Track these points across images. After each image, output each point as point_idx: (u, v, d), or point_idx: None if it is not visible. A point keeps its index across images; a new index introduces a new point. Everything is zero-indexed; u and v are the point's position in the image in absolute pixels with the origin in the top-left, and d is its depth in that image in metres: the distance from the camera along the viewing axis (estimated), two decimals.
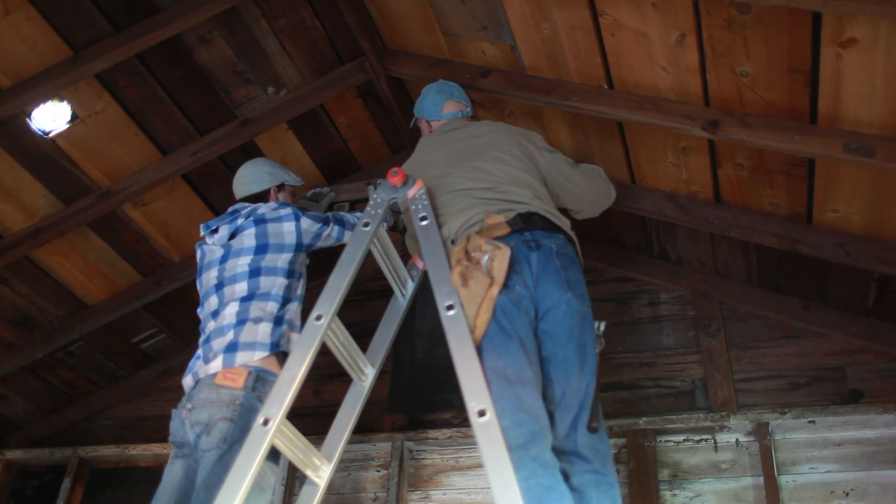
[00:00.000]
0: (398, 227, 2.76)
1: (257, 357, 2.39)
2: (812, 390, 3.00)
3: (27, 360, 3.53)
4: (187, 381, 2.50)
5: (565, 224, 2.35)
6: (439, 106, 2.81)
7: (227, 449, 2.24)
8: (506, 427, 1.80)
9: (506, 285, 2.05)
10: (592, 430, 2.00)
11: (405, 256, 2.55)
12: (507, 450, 1.73)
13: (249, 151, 3.33)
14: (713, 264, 3.31)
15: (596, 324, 2.20)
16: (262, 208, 2.70)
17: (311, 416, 3.29)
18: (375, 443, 3.18)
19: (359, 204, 3.07)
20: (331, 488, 3.14)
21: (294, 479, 3.16)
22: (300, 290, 2.66)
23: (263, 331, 2.44)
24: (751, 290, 3.26)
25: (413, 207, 2.36)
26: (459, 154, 2.53)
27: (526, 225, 2.21)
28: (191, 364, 2.52)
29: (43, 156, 2.98)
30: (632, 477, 2.81)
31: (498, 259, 2.04)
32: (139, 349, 3.85)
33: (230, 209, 2.77)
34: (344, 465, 3.19)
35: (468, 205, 2.32)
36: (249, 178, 2.86)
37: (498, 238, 2.15)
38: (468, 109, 2.84)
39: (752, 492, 2.73)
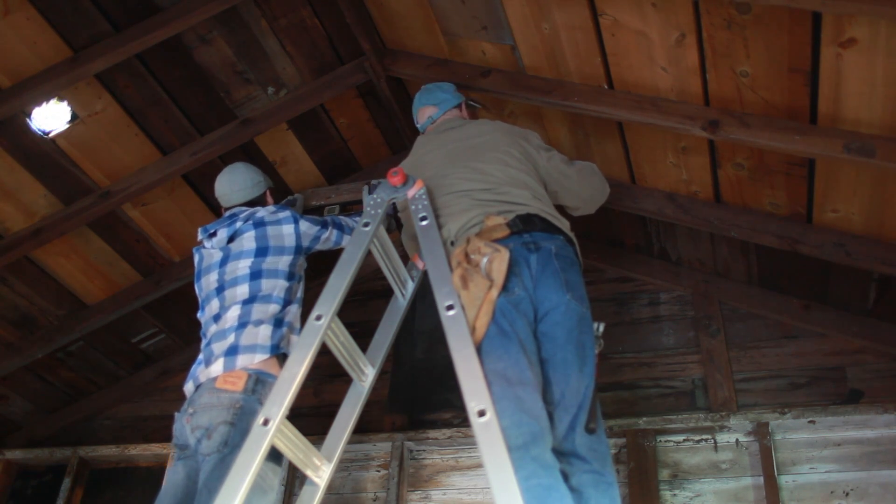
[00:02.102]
0: (391, 229, 2.76)
1: (257, 360, 2.39)
2: (812, 390, 3.00)
3: (27, 360, 3.53)
4: (188, 387, 2.50)
5: (565, 225, 2.35)
6: (416, 118, 2.87)
7: (229, 452, 2.24)
8: (506, 427, 1.80)
9: (505, 287, 2.05)
10: (590, 431, 2.00)
11: (405, 256, 2.55)
12: (507, 450, 1.73)
13: (249, 151, 3.34)
14: (713, 264, 3.31)
15: (595, 325, 2.20)
16: (261, 212, 2.71)
17: (311, 416, 3.30)
18: (375, 443, 3.18)
19: (351, 206, 3.06)
20: (331, 488, 3.14)
21: (294, 479, 3.16)
22: (300, 292, 2.67)
23: (264, 333, 2.45)
24: (751, 290, 3.26)
25: (413, 207, 2.35)
26: (458, 154, 2.52)
27: (525, 226, 2.21)
28: (192, 370, 2.52)
29: (43, 156, 2.98)
30: (632, 477, 2.81)
31: (497, 262, 2.05)
32: (139, 349, 3.85)
33: (227, 213, 2.78)
34: (344, 465, 3.19)
35: (467, 206, 2.32)
36: (247, 182, 2.86)
37: (497, 240, 2.15)
38: (439, 110, 2.78)
39: (752, 492, 2.72)
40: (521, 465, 1.78)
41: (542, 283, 2.13)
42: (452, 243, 2.26)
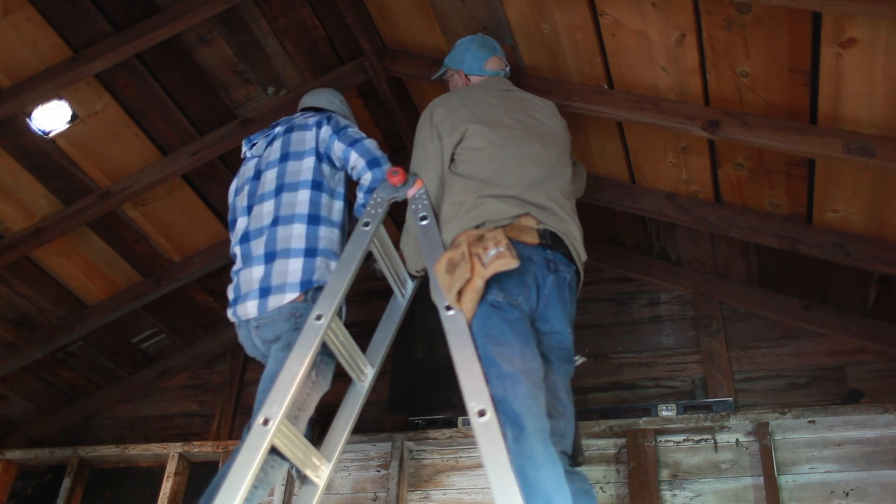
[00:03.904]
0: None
1: (287, 299, 2.30)
2: (812, 390, 3.00)
3: (27, 360, 3.53)
4: (231, 316, 2.43)
5: (582, 259, 2.29)
6: (483, 60, 2.63)
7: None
8: (524, 413, 1.81)
9: (506, 290, 2.03)
10: (579, 464, 2.08)
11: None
12: (523, 436, 1.75)
13: None
14: (713, 264, 3.31)
15: (576, 357, 2.23)
16: (299, 117, 2.56)
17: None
18: (375, 443, 3.18)
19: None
20: (331, 488, 3.14)
21: (293, 478, 3.16)
22: (335, 213, 2.45)
23: (294, 268, 2.31)
24: (751, 290, 3.26)
25: (413, 207, 2.35)
26: (530, 129, 2.39)
27: (553, 244, 2.16)
28: (230, 297, 2.43)
29: (43, 156, 2.98)
30: (632, 477, 2.81)
31: (502, 262, 1.98)
32: (139, 349, 3.85)
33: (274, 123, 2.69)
34: (344, 465, 3.19)
35: (518, 196, 2.19)
36: (322, 94, 2.79)
37: (522, 243, 2.09)
38: (508, 69, 2.70)
39: (752, 492, 2.72)
40: (546, 447, 1.79)
41: (550, 305, 2.12)
42: (478, 227, 2.14)
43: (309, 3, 2.95)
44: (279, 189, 2.45)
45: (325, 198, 2.45)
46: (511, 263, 1.97)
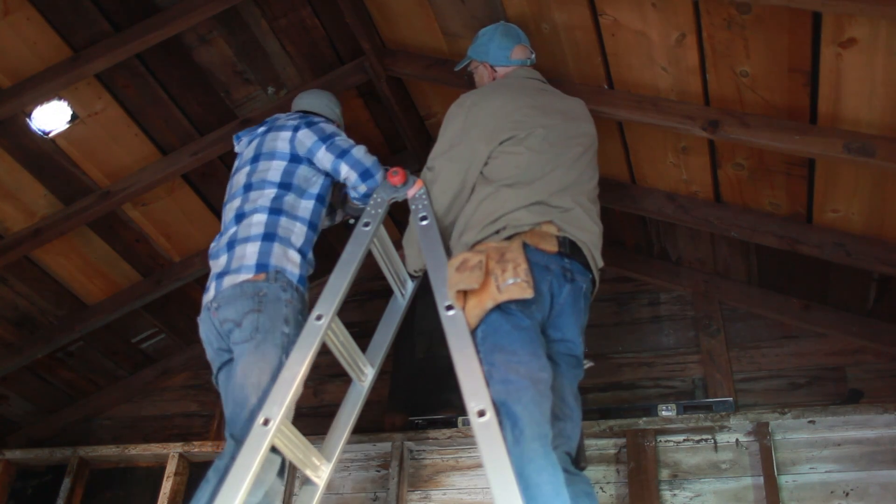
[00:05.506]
0: (334, 221, 2.72)
1: (241, 279, 2.29)
2: (812, 390, 3.00)
3: (27, 360, 3.53)
4: (206, 297, 2.44)
5: (598, 266, 2.29)
6: (508, 50, 2.55)
7: (262, 339, 2.20)
8: (526, 418, 1.81)
9: (517, 299, 2.02)
10: (582, 469, 2.08)
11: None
12: (524, 439, 1.75)
13: None
14: (713, 264, 3.31)
15: (584, 362, 2.23)
16: (283, 119, 2.58)
17: (311, 416, 3.30)
18: (375, 443, 3.18)
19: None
20: (331, 488, 3.14)
21: (294, 479, 3.16)
22: (303, 209, 2.46)
23: (251, 251, 2.33)
24: (751, 290, 3.25)
25: (413, 207, 2.35)
26: (568, 133, 2.35)
27: (571, 252, 2.16)
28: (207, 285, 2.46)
29: (43, 156, 2.98)
30: (632, 477, 2.81)
31: (517, 290, 1.97)
32: (139, 349, 3.84)
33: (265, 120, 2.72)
34: (344, 465, 3.19)
35: (545, 202, 2.19)
36: (315, 97, 2.82)
37: (541, 250, 2.09)
38: (533, 56, 2.61)
39: (752, 492, 2.72)
40: (547, 451, 1.79)
41: (563, 315, 2.12)
42: (500, 231, 2.14)
43: (309, 3, 2.95)
44: (247, 187, 2.49)
45: (290, 196, 2.47)
46: (526, 293, 1.98)
